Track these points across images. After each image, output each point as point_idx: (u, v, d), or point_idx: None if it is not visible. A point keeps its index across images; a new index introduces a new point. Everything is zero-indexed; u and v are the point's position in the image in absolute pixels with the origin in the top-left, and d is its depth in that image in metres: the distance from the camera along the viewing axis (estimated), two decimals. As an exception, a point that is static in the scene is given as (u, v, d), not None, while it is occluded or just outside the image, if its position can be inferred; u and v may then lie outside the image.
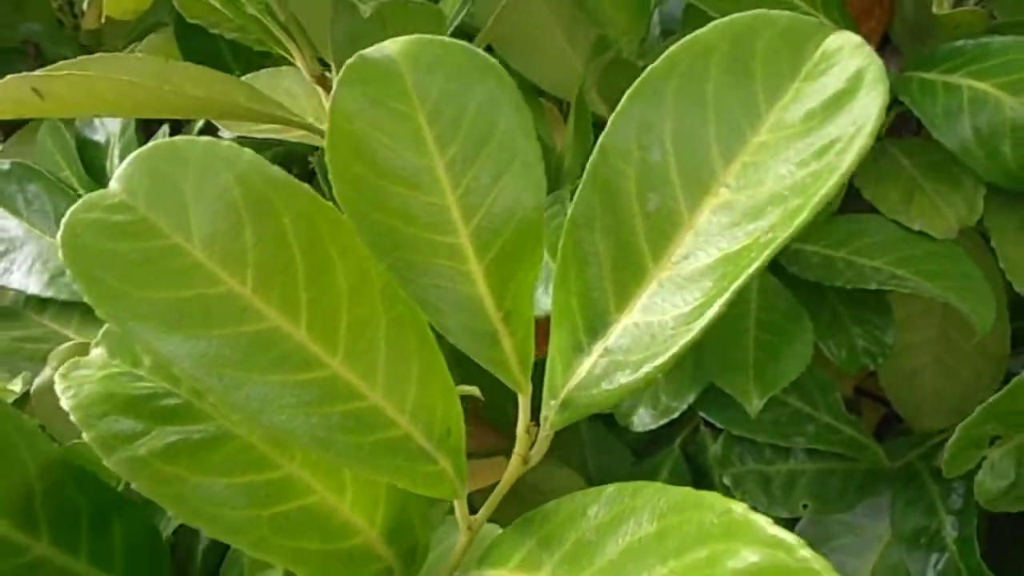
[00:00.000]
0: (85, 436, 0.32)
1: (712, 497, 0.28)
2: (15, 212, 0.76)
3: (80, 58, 0.51)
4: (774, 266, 0.61)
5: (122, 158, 0.73)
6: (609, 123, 0.31)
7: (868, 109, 0.29)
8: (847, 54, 0.30)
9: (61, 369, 0.33)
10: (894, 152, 0.61)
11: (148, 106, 0.50)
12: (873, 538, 0.63)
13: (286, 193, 0.32)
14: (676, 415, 0.59)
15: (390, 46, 0.31)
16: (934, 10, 0.57)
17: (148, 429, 0.33)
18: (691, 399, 0.59)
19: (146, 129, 0.81)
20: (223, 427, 0.34)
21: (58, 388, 0.33)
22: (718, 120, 0.31)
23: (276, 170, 0.32)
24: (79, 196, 0.72)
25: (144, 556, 0.40)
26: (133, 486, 0.31)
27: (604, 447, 0.66)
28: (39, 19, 1.04)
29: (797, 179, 0.29)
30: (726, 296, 0.29)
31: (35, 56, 1.00)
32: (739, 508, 0.27)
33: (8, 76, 0.49)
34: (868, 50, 0.30)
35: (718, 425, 0.61)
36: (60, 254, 0.29)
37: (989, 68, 0.56)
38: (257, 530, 0.33)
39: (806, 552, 0.26)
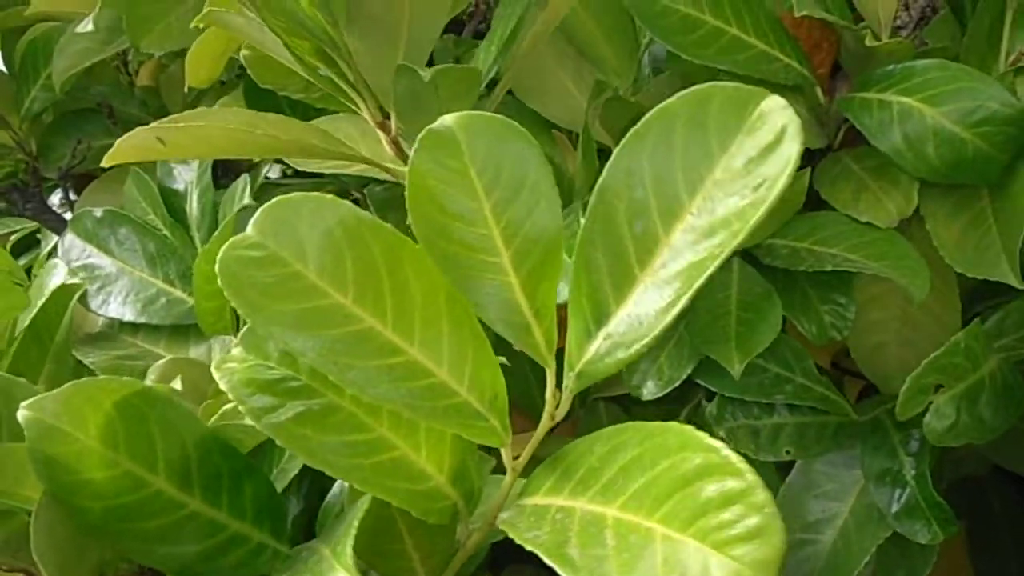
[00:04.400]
0: (240, 409, 0.44)
1: (674, 426, 0.41)
2: (108, 252, 0.88)
3: (187, 112, 0.63)
4: (751, 258, 0.73)
5: (200, 202, 0.86)
6: (604, 170, 0.43)
7: (788, 155, 0.40)
8: (776, 114, 0.41)
9: (215, 362, 0.46)
10: (846, 160, 0.72)
11: (247, 148, 0.62)
12: (851, 484, 0.73)
13: (373, 228, 0.44)
14: (678, 383, 0.71)
15: (448, 120, 0.43)
16: (866, 43, 0.67)
17: (282, 403, 0.45)
18: (689, 370, 0.71)
19: (216, 177, 0.93)
20: (333, 401, 0.46)
21: (215, 375, 0.45)
22: (683, 166, 0.42)
23: (365, 213, 0.44)
24: (164, 236, 0.85)
25: (267, 509, 0.52)
26: (278, 443, 0.44)
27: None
28: (106, 82, 1.14)
29: (739, 207, 0.41)
30: (691, 292, 0.41)
31: (109, 114, 1.10)
32: (687, 429, 0.40)
33: (136, 128, 0.61)
34: (790, 111, 0.41)
35: (712, 389, 0.72)
36: (219, 280, 0.42)
37: (913, 86, 0.67)
38: (362, 473, 0.45)
39: (728, 453, 0.38)
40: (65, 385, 0.46)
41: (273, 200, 0.43)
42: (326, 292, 0.43)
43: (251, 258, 0.42)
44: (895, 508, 0.69)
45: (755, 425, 0.72)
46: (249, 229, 0.43)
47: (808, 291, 0.72)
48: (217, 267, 0.42)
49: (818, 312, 0.71)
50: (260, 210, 0.43)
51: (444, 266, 0.44)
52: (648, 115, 0.43)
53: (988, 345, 0.67)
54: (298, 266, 0.43)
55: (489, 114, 0.44)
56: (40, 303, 0.72)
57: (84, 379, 0.46)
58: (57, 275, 0.74)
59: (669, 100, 0.43)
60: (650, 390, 0.72)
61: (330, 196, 0.44)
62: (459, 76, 0.60)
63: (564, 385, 0.46)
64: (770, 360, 0.72)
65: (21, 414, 0.45)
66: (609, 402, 0.81)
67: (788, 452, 0.72)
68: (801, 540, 0.72)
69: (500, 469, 0.51)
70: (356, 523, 0.44)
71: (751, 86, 0.42)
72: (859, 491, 0.73)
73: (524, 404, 0.68)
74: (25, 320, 0.72)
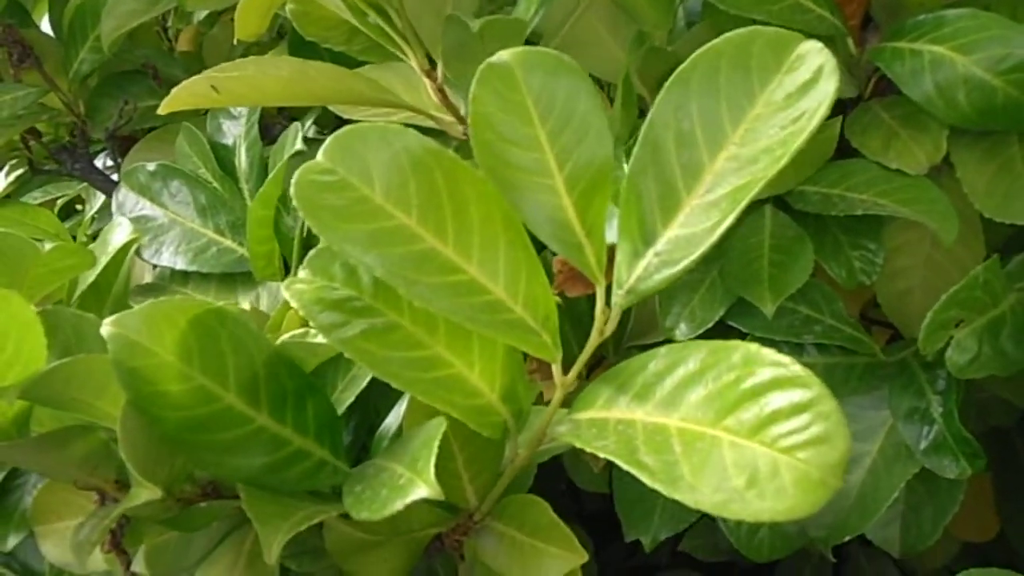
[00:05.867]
0: (311, 324, 0.47)
1: (736, 343, 0.44)
2: (160, 204, 0.92)
3: (240, 60, 0.66)
4: (783, 205, 0.75)
5: (248, 155, 0.90)
6: (655, 105, 0.46)
7: (826, 91, 0.43)
8: (813, 55, 0.44)
9: (285, 282, 0.49)
10: (876, 108, 0.74)
11: (298, 96, 0.65)
12: (878, 424, 0.75)
13: (436, 155, 0.47)
14: (710, 324, 0.73)
15: (505, 55, 0.46)
16: (898, -7, 0.70)
17: (348, 320, 0.48)
18: (721, 312, 0.73)
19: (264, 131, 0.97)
20: (394, 320, 0.49)
21: (286, 294, 0.48)
22: (727, 101, 0.45)
23: (428, 140, 0.47)
24: (214, 188, 0.89)
25: (327, 427, 0.56)
26: (346, 355, 0.47)
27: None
28: (149, 45, 1.18)
29: (780, 137, 0.44)
30: (734, 214, 0.44)
31: (153, 76, 1.14)
32: (753, 347, 0.43)
33: (193, 77, 0.64)
34: (827, 52, 0.44)
35: (744, 330, 0.74)
36: (295, 202, 0.45)
37: (944, 35, 0.69)
38: (422, 385, 0.49)
39: (796, 367, 0.41)
40: (145, 303, 0.49)
41: (342, 129, 0.46)
42: (391, 214, 0.46)
43: (323, 182, 0.45)
44: (923, 445, 0.71)
45: (787, 365, 0.74)
46: (320, 156, 0.46)
47: (839, 236, 0.74)
48: (292, 191, 0.45)
49: (848, 257, 0.74)
50: (331, 138, 0.46)
51: (503, 188, 0.47)
52: (695, 55, 0.46)
53: (1009, 282, 0.69)
54: (365, 190, 0.46)
55: (543, 49, 0.47)
56: (104, 261, 0.75)
57: (161, 298, 0.49)
58: (121, 232, 0.77)
59: (715, 41, 0.46)
60: (683, 331, 0.74)
61: (395, 125, 0.47)
62: (505, 26, 0.63)
63: (613, 302, 0.48)
64: (800, 302, 0.74)
65: (105, 330, 0.48)
66: (642, 350, 0.84)
67: (817, 391, 0.74)
68: (831, 480, 0.75)
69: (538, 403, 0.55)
70: (436, 443, 0.48)
71: (790, 31, 0.45)
72: (887, 431, 0.75)
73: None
74: (90, 277, 0.74)
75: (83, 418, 0.54)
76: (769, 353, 0.42)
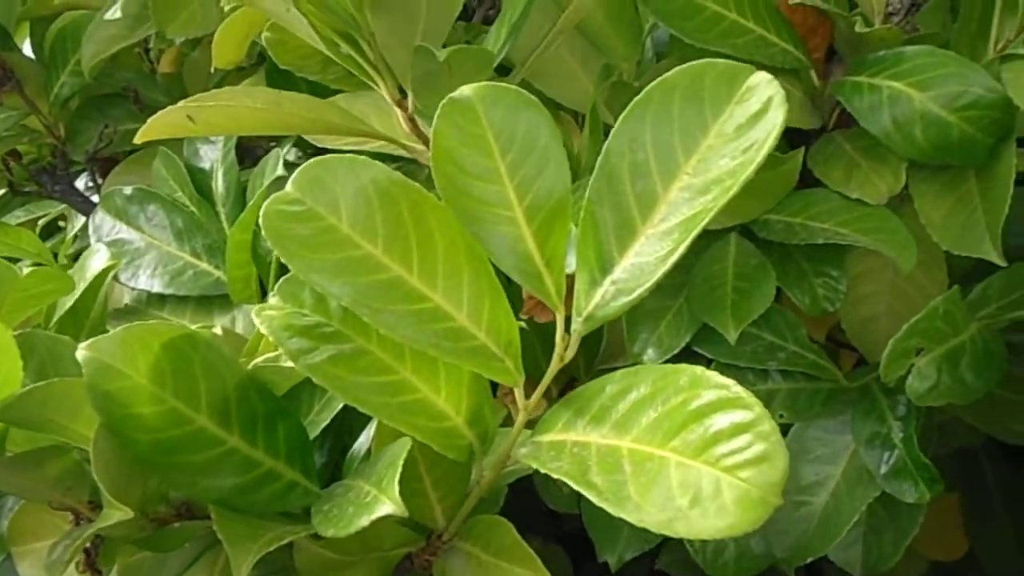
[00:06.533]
0: (280, 350, 0.49)
1: (686, 367, 0.46)
2: (137, 228, 0.93)
3: (215, 91, 0.67)
4: (748, 233, 0.77)
5: (225, 179, 0.91)
6: (610, 136, 0.48)
7: (774, 121, 0.45)
8: (763, 86, 0.46)
9: (255, 309, 0.51)
10: (839, 139, 0.76)
11: (272, 126, 0.67)
12: (842, 448, 0.76)
13: (402, 187, 0.49)
14: (677, 351, 0.75)
15: (467, 90, 0.48)
16: (856, 30, 0.72)
17: (316, 346, 0.50)
18: (688, 338, 0.75)
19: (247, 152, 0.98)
20: (362, 345, 0.51)
21: (256, 321, 0.50)
22: (681, 131, 0.47)
23: (394, 172, 0.49)
24: (191, 212, 0.90)
25: (298, 449, 0.57)
26: (315, 380, 0.48)
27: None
28: (130, 67, 1.18)
29: (731, 168, 0.46)
30: (686, 243, 0.46)
31: (134, 99, 1.14)
32: (699, 369, 0.45)
33: (169, 107, 0.65)
34: (776, 84, 0.46)
35: (709, 356, 0.76)
36: (263, 232, 0.46)
37: (903, 71, 0.71)
38: (388, 409, 0.50)
39: (738, 389, 0.43)
40: (119, 328, 0.50)
41: (311, 160, 0.48)
42: (358, 244, 0.48)
43: (291, 212, 0.47)
44: (884, 469, 0.73)
45: (749, 391, 0.76)
46: (289, 186, 0.48)
47: (803, 264, 0.76)
48: (261, 220, 0.47)
49: (812, 284, 0.75)
50: (299, 169, 0.48)
51: (464, 220, 0.49)
52: (649, 87, 0.48)
53: (969, 311, 0.71)
54: (333, 220, 0.48)
55: (504, 85, 0.49)
56: (82, 287, 0.76)
57: (135, 323, 0.51)
58: (99, 258, 0.78)
59: (668, 74, 0.48)
60: (651, 357, 0.76)
61: (362, 157, 0.48)
62: (472, 56, 0.64)
63: (572, 329, 0.50)
64: (764, 328, 0.76)
65: (80, 353, 0.49)
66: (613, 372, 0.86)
67: (781, 416, 0.76)
68: (796, 502, 0.76)
69: (507, 424, 0.56)
70: (400, 462, 0.49)
71: (741, 63, 0.47)
72: (850, 455, 0.77)
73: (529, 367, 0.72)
74: (68, 302, 0.76)
75: (58, 439, 0.55)
76: (713, 375, 0.44)
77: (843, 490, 0.76)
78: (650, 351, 0.76)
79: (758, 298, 0.72)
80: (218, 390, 0.53)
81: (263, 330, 0.50)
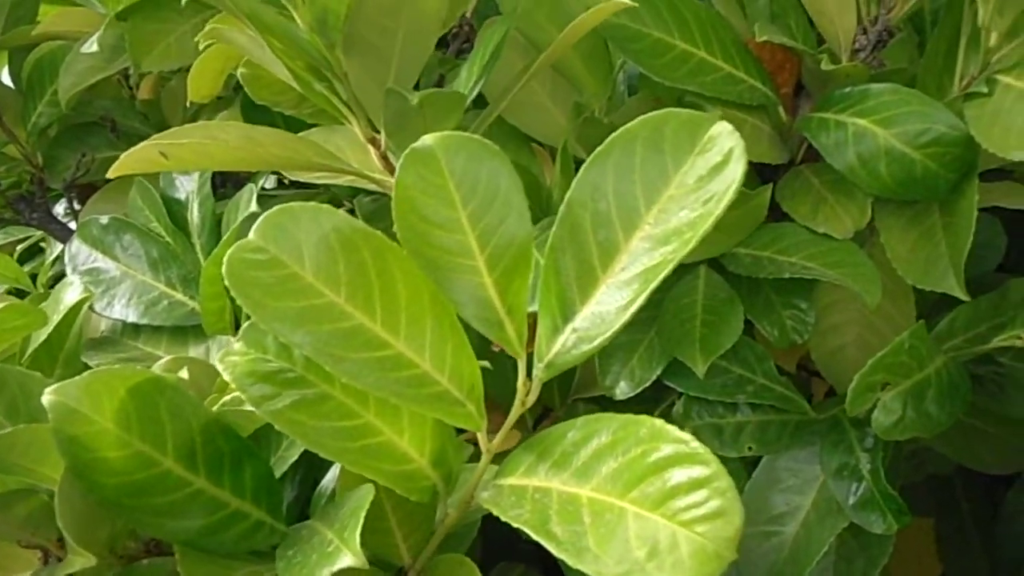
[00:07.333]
0: (243, 396, 0.49)
1: (646, 418, 0.46)
2: (113, 257, 0.93)
3: (188, 126, 0.67)
4: (717, 266, 0.78)
5: (200, 210, 0.92)
6: (572, 185, 0.49)
7: (734, 175, 0.46)
8: (724, 137, 0.47)
9: (219, 355, 0.51)
10: (806, 174, 0.77)
11: (245, 162, 0.67)
12: (812, 479, 0.77)
13: (364, 235, 0.49)
14: (648, 384, 0.75)
15: (429, 139, 0.49)
16: (822, 67, 0.73)
17: (279, 392, 0.50)
18: (659, 371, 0.75)
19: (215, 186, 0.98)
20: (325, 391, 0.51)
21: (219, 367, 0.50)
22: (642, 181, 0.48)
23: (357, 221, 0.49)
24: (166, 242, 0.90)
25: (265, 489, 0.57)
26: (277, 427, 0.49)
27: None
28: (109, 96, 1.18)
29: (690, 219, 0.46)
30: (646, 293, 0.46)
31: (112, 128, 1.14)
32: (658, 422, 0.45)
33: (141, 143, 0.65)
34: (737, 135, 0.46)
35: (679, 389, 0.77)
36: (225, 280, 0.47)
37: (868, 108, 0.72)
38: (351, 455, 0.51)
39: (695, 444, 0.43)
40: (85, 373, 0.51)
41: (274, 208, 0.49)
42: (321, 292, 0.48)
43: (254, 260, 0.48)
44: (852, 500, 0.73)
45: (719, 423, 0.77)
46: (252, 234, 0.48)
47: (771, 296, 0.77)
48: (224, 268, 0.47)
49: (780, 316, 0.76)
50: (262, 217, 0.48)
51: (426, 269, 0.49)
52: (611, 136, 0.49)
53: (934, 345, 0.72)
54: (296, 268, 0.48)
55: (466, 135, 0.49)
56: (56, 320, 0.77)
57: (101, 367, 0.51)
58: (73, 292, 0.78)
59: (630, 124, 0.49)
60: (623, 390, 0.76)
61: (325, 205, 0.49)
62: (444, 99, 0.65)
63: (534, 375, 0.51)
64: (733, 362, 0.77)
65: (46, 399, 0.50)
66: (588, 402, 0.86)
67: (750, 448, 0.76)
68: (766, 532, 0.77)
69: (475, 458, 0.56)
70: (363, 513, 0.49)
71: (703, 112, 0.48)
72: (819, 486, 0.77)
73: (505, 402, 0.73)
74: (42, 335, 0.76)
75: (26, 481, 0.55)
76: (672, 429, 0.45)
77: (813, 520, 0.77)
78: (622, 384, 0.77)
79: (726, 332, 0.73)
80: (184, 432, 0.54)
81: (226, 376, 0.50)
